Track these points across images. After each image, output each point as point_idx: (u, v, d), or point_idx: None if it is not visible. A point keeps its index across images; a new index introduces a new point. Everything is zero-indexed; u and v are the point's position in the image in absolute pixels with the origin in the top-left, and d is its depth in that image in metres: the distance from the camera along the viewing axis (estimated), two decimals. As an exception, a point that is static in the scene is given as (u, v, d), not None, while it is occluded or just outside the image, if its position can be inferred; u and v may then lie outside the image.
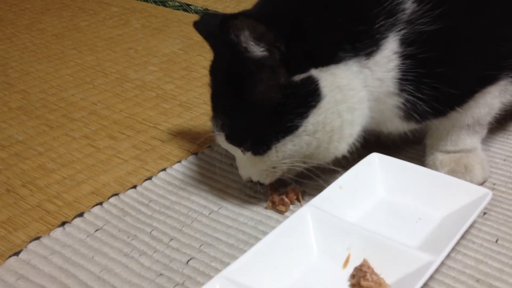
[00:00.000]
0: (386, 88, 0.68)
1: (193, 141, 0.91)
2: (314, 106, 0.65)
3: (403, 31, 0.66)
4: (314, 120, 0.65)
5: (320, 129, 0.66)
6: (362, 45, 0.65)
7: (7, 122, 0.97)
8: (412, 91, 0.68)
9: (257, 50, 0.62)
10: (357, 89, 0.67)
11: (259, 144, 0.67)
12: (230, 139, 0.69)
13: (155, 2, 1.58)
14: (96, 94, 1.07)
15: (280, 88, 0.64)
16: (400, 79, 0.68)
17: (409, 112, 0.70)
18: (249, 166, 0.71)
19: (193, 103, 1.04)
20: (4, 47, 1.28)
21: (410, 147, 0.84)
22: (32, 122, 0.97)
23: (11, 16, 1.48)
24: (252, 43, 0.62)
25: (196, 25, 0.78)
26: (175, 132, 0.94)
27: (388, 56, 0.66)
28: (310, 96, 0.64)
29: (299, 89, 0.64)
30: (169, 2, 1.57)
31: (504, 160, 0.83)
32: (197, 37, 0.73)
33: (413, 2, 0.65)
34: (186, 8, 1.54)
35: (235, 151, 0.71)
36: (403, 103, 0.70)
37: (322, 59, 0.65)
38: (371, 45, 0.66)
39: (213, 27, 0.71)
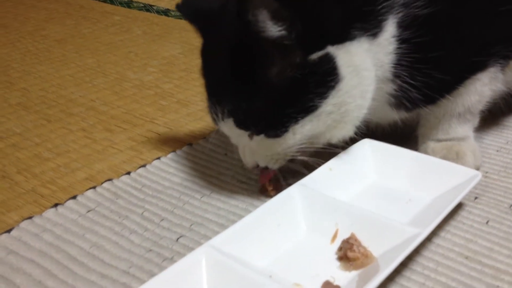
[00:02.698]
0: (383, 73, 0.69)
1: (189, 134, 0.91)
2: (333, 87, 0.64)
3: (400, 14, 0.67)
4: (334, 101, 0.64)
5: (336, 110, 0.65)
6: (369, 25, 0.66)
7: (6, 116, 0.99)
8: (406, 77, 0.69)
9: (275, 30, 0.60)
10: (370, 69, 0.67)
11: (275, 126, 0.65)
12: (241, 123, 0.66)
13: (157, 12, 1.60)
14: (95, 92, 1.09)
15: (297, 67, 0.63)
16: (396, 64, 0.68)
17: (400, 99, 0.71)
18: (259, 151, 0.68)
19: (191, 100, 1.05)
20: (6, 51, 1.31)
21: (400, 140, 0.84)
22: (30, 116, 0.99)
23: (15, 24, 1.51)
24: (271, 22, 0.60)
25: (180, 7, 0.75)
26: (171, 126, 0.95)
27: (388, 39, 0.67)
28: (329, 75, 0.64)
29: (318, 67, 0.63)
30: (172, 12, 1.60)
31: (497, 151, 0.83)
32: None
33: None
34: (187, 17, 1.56)
35: (241, 137, 0.69)
36: (395, 90, 0.71)
37: (338, 36, 0.64)
38: (376, 26, 0.66)
39: (201, 8, 0.71)
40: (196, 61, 1.23)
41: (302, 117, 0.64)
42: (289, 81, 0.63)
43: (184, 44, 1.35)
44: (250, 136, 0.67)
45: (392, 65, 0.69)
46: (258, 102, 0.64)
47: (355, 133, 0.71)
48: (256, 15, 0.59)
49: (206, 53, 0.71)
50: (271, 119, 0.65)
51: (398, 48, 0.68)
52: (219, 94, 0.67)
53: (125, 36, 1.41)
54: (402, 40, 0.67)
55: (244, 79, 0.64)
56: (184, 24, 1.50)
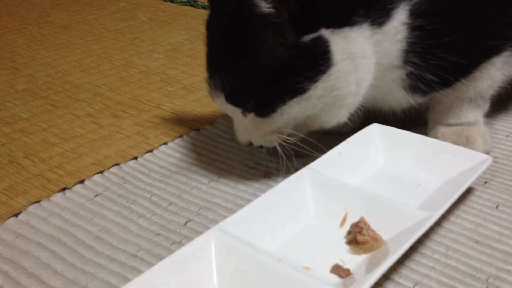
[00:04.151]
0: (389, 61, 0.68)
1: (195, 120, 0.91)
2: (324, 72, 0.63)
3: (413, 1, 0.66)
4: (324, 85, 0.64)
5: (327, 94, 0.65)
6: (375, 13, 0.65)
7: (12, 102, 0.98)
8: (417, 64, 0.68)
9: (264, 6, 0.60)
10: (369, 57, 0.66)
11: (263, 105, 0.65)
12: (231, 99, 0.66)
13: (163, -1, 1.60)
14: (101, 78, 1.08)
15: (287, 48, 0.62)
16: (405, 51, 0.67)
17: (416, 83, 0.70)
18: (250, 129, 0.69)
19: (197, 86, 1.04)
20: (12, 37, 1.30)
21: (409, 125, 0.83)
22: (37, 102, 0.98)
23: (20, 10, 1.50)
24: None
25: None
26: (178, 111, 0.95)
27: (396, 27, 0.66)
28: (321, 59, 0.63)
29: (309, 50, 0.62)
30: (177, -2, 1.59)
31: (507, 136, 0.83)
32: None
33: None
34: (193, 3, 1.55)
35: (234, 113, 0.69)
36: (406, 75, 0.70)
37: (335, 21, 0.63)
38: (383, 14, 0.65)
39: None
40: (201, 47, 1.23)
41: (290, 99, 0.64)
42: (279, 60, 0.62)
43: (190, 30, 1.34)
44: (243, 113, 0.67)
45: (401, 52, 0.68)
46: (247, 79, 0.64)
47: (357, 118, 0.71)
48: None
49: (209, 25, 0.70)
50: (259, 98, 0.65)
51: (409, 36, 0.67)
52: (214, 67, 0.68)
53: (131, 22, 1.41)
54: (414, 27, 0.66)
55: (235, 54, 0.64)
56: (190, 10, 1.50)
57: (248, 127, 0.69)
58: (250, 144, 0.71)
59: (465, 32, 0.68)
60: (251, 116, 0.67)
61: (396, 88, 0.72)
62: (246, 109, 0.67)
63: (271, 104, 0.65)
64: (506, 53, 0.73)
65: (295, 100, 0.64)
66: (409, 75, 0.70)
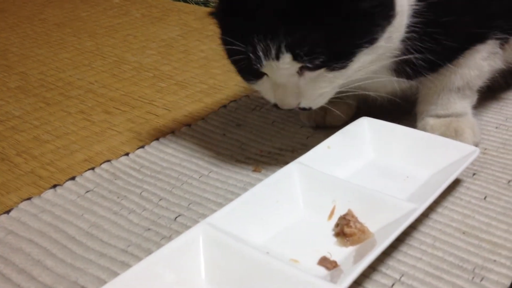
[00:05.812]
0: (399, 34, 0.68)
1: (187, 116, 0.91)
2: (390, 23, 0.64)
3: None
4: (386, 36, 0.64)
5: (384, 45, 0.65)
6: None
7: (5, 99, 0.99)
8: (416, 41, 0.68)
9: None
10: (405, 13, 0.66)
11: (341, 55, 0.63)
12: (302, 57, 0.61)
13: (156, -5, 1.59)
14: (93, 75, 1.08)
15: None
16: (412, 22, 0.67)
17: (403, 66, 0.71)
18: (307, 89, 0.66)
19: (189, 82, 1.05)
20: (5, 35, 1.31)
21: (399, 118, 0.84)
22: (29, 99, 0.99)
23: (14, 8, 1.50)
24: None
25: None
26: (170, 107, 0.95)
27: None
28: (391, 9, 0.63)
29: (383, 1, 0.63)
30: (170, -6, 1.59)
31: (497, 127, 0.83)
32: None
33: None
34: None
35: (288, 78, 0.64)
36: (402, 53, 0.70)
37: None
38: None
39: None
40: (194, 43, 1.24)
41: (366, 48, 0.63)
42: (359, 10, 0.61)
43: (183, 26, 1.35)
44: (300, 73, 0.64)
45: (408, 26, 0.68)
46: (330, 32, 0.61)
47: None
48: None
49: None
50: (339, 49, 0.63)
51: (417, 5, 0.67)
52: (273, 28, 0.60)
53: (124, 19, 1.41)
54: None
55: (310, 8, 0.60)
56: (183, 6, 1.50)
57: (302, 88, 0.66)
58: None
59: (459, 13, 0.69)
60: (314, 74, 0.64)
61: (384, 70, 0.72)
62: (317, 65, 0.63)
63: (347, 56, 0.63)
64: (491, 42, 0.73)
65: (367, 50, 0.64)
66: (401, 54, 0.70)
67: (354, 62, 0.64)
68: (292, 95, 0.66)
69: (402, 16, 0.66)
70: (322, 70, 0.63)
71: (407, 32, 0.68)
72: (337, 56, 0.63)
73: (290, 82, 0.65)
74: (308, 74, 0.64)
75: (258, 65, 0.63)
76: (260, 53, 0.61)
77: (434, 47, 0.68)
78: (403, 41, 0.69)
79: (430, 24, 0.67)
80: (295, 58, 0.61)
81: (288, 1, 0.60)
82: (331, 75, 0.64)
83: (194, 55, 1.17)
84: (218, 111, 0.91)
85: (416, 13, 0.67)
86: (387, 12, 0.64)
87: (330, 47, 0.61)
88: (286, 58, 0.61)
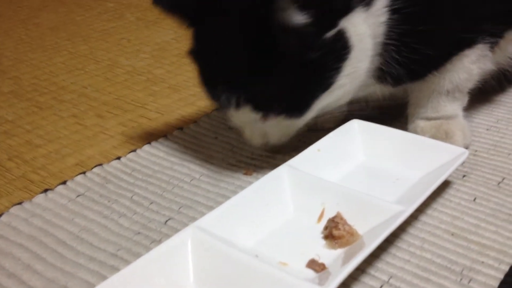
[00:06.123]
0: (376, 46, 0.69)
1: (180, 119, 0.92)
2: (346, 59, 0.65)
3: None
4: (347, 71, 0.66)
5: (349, 81, 0.67)
6: None
7: (-2, 104, 0.99)
8: (393, 52, 0.69)
9: (301, 18, 0.61)
10: (369, 36, 0.67)
11: (298, 105, 0.66)
12: (261, 107, 0.66)
13: (150, -2, 1.60)
14: (86, 79, 1.09)
15: (316, 48, 0.63)
16: (386, 36, 0.68)
17: (384, 75, 0.71)
18: (272, 132, 0.70)
19: (182, 85, 1.05)
20: (-1, 40, 1.31)
21: (392, 120, 0.84)
22: (22, 104, 0.99)
23: (9, 12, 1.51)
24: (296, 11, 0.60)
25: (157, 1, 0.73)
26: (163, 111, 0.95)
27: (380, 9, 0.67)
28: (343, 48, 0.65)
29: (333, 44, 0.64)
30: (165, -2, 1.59)
31: (487, 129, 0.83)
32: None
33: None
34: (180, 3, 1.56)
35: (251, 122, 0.69)
36: (381, 64, 0.70)
37: (343, 9, 0.65)
38: None
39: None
40: (188, 47, 1.24)
41: (322, 94, 0.66)
42: (310, 61, 0.63)
43: (177, 29, 1.34)
44: (264, 119, 0.68)
45: (384, 36, 0.68)
46: (282, 85, 0.64)
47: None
48: (283, 3, 0.59)
49: (213, 42, 0.68)
50: (295, 100, 0.66)
51: (390, 19, 0.67)
52: (233, 82, 0.65)
53: (118, 22, 1.41)
54: (393, 10, 0.67)
55: (262, 65, 0.63)
56: (177, 9, 1.50)
57: (267, 130, 0.70)
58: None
59: (439, 21, 0.69)
60: (276, 119, 0.67)
61: (371, 76, 0.72)
62: (276, 114, 0.67)
63: (306, 102, 0.66)
64: (480, 46, 0.73)
65: (325, 94, 0.66)
66: (383, 65, 0.70)
67: (316, 105, 0.67)
68: (258, 136, 0.71)
69: (363, 43, 0.66)
70: (283, 115, 0.67)
71: (382, 47, 0.69)
72: (295, 105, 0.66)
73: (255, 126, 0.70)
74: (272, 119, 0.67)
75: (226, 113, 0.69)
76: (224, 103, 0.66)
77: (414, 57, 0.69)
78: (379, 55, 0.69)
79: (407, 34, 0.68)
80: (255, 108, 0.66)
81: (244, 55, 0.63)
82: (290, 120, 0.68)
83: (187, 59, 1.17)
84: (210, 114, 0.91)
85: (390, 27, 0.68)
86: (340, 52, 0.65)
87: (286, 98, 0.65)
88: (246, 108, 0.66)
